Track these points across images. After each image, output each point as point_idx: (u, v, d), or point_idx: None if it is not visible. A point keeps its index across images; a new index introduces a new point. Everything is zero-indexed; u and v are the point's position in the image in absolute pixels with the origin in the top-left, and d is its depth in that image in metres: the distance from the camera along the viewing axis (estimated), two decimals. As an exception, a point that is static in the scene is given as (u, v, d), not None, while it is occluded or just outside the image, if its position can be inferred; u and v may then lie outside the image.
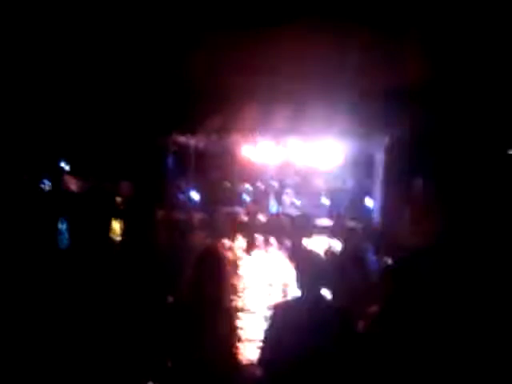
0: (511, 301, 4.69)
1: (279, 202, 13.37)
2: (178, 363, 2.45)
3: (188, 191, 13.16)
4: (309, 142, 11.99)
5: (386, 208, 10.58)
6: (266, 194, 13.56)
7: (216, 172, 13.96)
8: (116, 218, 9.60)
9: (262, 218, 12.45)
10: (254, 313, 5.71)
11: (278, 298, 6.23)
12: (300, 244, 8.97)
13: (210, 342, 2.39)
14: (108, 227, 9.07)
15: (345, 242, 5.89)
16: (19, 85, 9.14)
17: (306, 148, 12.27)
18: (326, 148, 12.09)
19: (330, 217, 11.95)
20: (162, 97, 9.48)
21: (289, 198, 13.45)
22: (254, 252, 10.10)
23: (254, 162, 13.35)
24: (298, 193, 13.54)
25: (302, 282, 2.61)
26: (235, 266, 8.51)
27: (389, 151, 10.51)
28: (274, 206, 13.30)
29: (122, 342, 3.79)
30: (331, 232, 10.16)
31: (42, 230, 8.30)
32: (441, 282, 4.67)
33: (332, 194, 13.16)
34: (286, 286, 7.09)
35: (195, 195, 13.16)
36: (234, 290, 6.61)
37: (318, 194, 13.34)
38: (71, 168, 12.72)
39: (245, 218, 12.27)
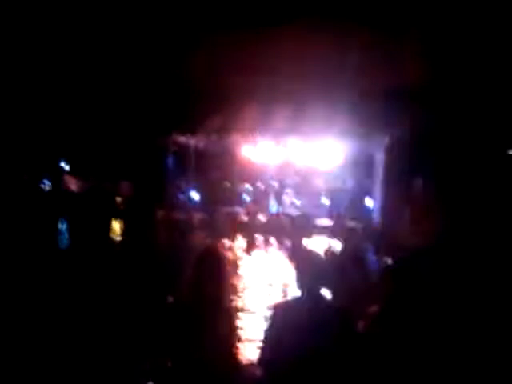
0: (511, 300, 4.69)
1: (279, 202, 13.38)
2: (177, 363, 2.45)
3: (188, 191, 13.16)
4: (309, 142, 12.00)
5: (386, 208, 10.58)
6: (266, 194, 13.56)
7: (216, 172, 13.96)
8: (116, 218, 9.61)
9: (262, 218, 12.45)
10: (254, 313, 5.71)
11: (278, 298, 6.22)
12: (300, 244, 8.97)
13: (209, 342, 2.38)
14: (108, 227, 9.08)
15: (345, 241, 5.89)
16: (19, 85, 9.14)
17: (306, 148, 12.27)
18: (326, 148, 12.09)
19: (330, 217, 11.95)
20: (162, 97, 9.48)
21: (289, 198, 13.46)
22: (254, 252, 10.10)
23: (253, 161, 13.35)
24: (297, 193, 13.54)
25: (301, 282, 2.61)
26: (235, 265, 8.50)
27: (389, 151, 10.51)
28: (273, 206, 13.30)
29: (122, 342, 3.79)
30: (331, 232, 10.15)
31: (41, 229, 8.30)
32: (441, 281, 4.67)
33: (332, 194, 13.16)
34: (286, 285, 7.09)
35: (195, 195, 13.16)
36: (234, 290, 6.61)
37: (318, 194, 13.35)
38: (71, 168, 12.72)
39: (245, 218, 12.27)
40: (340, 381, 2.49)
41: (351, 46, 8.24)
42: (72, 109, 9.78)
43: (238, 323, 2.60)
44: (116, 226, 9.31)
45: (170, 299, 2.60)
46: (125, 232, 9.02)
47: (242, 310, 5.84)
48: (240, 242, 10.86)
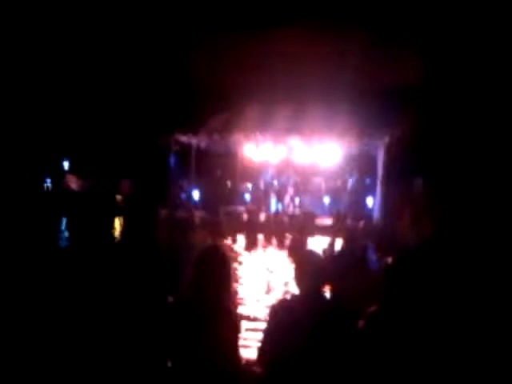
0: (510, 300, 4.70)
1: (280, 201, 13.39)
2: (177, 363, 2.45)
3: (190, 190, 13.18)
4: (309, 142, 12.01)
5: (386, 207, 10.60)
6: (266, 193, 13.58)
7: (217, 171, 13.99)
8: (116, 216, 9.63)
9: (262, 216, 12.47)
10: (253, 313, 5.72)
11: (278, 298, 6.23)
12: (300, 243, 8.98)
13: (210, 342, 2.39)
14: (110, 225, 9.10)
15: (345, 241, 5.89)
16: (21, 85, 9.16)
17: (307, 147, 12.28)
18: (326, 148, 12.10)
19: (331, 215, 11.96)
20: (164, 96, 9.51)
21: (289, 197, 13.47)
22: (254, 251, 10.11)
23: (255, 161, 13.37)
24: (298, 192, 13.56)
25: (301, 281, 2.61)
26: (235, 265, 8.51)
27: (389, 151, 10.53)
28: (274, 205, 13.32)
29: (122, 342, 3.79)
30: (332, 231, 10.15)
31: (42, 228, 8.32)
32: (440, 281, 4.68)
33: (332, 193, 13.18)
34: (286, 285, 7.09)
35: (197, 194, 13.18)
36: (234, 290, 6.61)
37: (319, 193, 13.36)
38: (72, 167, 12.75)
39: (246, 217, 12.29)
40: (340, 380, 2.50)
41: (351, 47, 8.25)
42: (74, 108, 9.80)
43: (238, 323, 2.60)
44: (117, 224, 9.34)
45: (170, 299, 2.59)
46: (125, 230, 9.04)
47: (242, 310, 5.85)
48: (240, 240, 10.88)
